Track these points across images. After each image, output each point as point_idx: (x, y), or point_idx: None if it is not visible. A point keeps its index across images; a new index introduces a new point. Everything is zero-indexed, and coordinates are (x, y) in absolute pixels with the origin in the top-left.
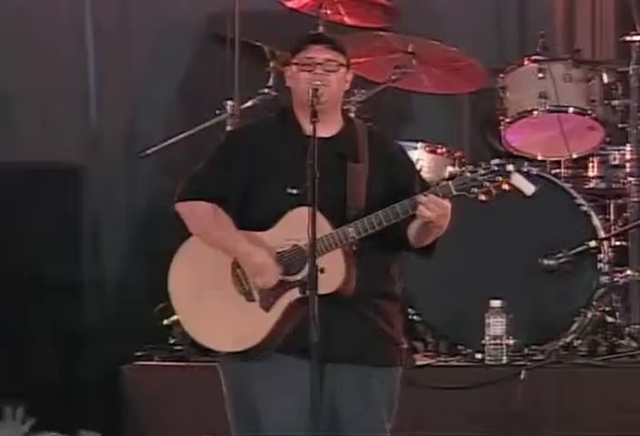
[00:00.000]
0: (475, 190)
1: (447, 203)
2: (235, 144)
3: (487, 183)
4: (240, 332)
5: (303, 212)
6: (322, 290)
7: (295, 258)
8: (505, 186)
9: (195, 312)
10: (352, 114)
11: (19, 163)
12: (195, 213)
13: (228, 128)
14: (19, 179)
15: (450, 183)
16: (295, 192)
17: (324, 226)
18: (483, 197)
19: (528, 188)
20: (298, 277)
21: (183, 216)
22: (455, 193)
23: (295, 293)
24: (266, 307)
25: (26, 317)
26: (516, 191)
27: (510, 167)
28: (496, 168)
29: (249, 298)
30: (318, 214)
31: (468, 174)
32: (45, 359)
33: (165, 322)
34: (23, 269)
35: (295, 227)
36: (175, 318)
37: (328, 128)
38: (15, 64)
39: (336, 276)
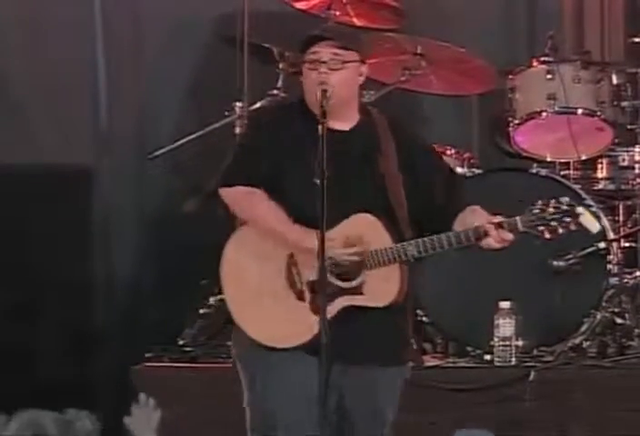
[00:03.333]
0: (542, 228)
1: (511, 236)
2: (264, 130)
3: (555, 223)
4: (286, 331)
5: (364, 217)
6: (376, 302)
7: (350, 264)
8: (573, 227)
9: (244, 302)
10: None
11: (30, 164)
12: (247, 198)
13: (237, 130)
14: (30, 180)
15: (518, 219)
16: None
17: (383, 237)
18: (548, 235)
19: (595, 227)
20: (352, 284)
21: (230, 201)
22: (521, 229)
23: (346, 300)
24: (316, 310)
25: (37, 317)
26: (583, 229)
27: (580, 209)
28: (566, 208)
29: (300, 297)
30: (377, 223)
31: (537, 211)
32: (56, 359)
33: (211, 300)
34: (34, 269)
35: (355, 232)
36: (219, 298)
37: (345, 122)
38: (25, 66)
39: (391, 290)
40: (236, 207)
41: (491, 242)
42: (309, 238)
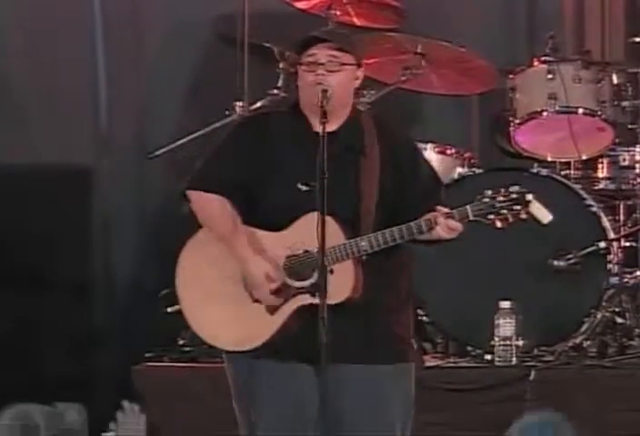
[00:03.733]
0: (492, 216)
1: (460, 225)
2: (246, 135)
3: (505, 211)
4: (242, 333)
5: (315, 217)
6: (331, 300)
7: (305, 263)
8: (524, 215)
9: (199, 307)
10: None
11: (29, 165)
12: (206, 205)
13: None
14: (30, 180)
15: (468, 207)
16: (304, 188)
17: (336, 234)
18: (499, 224)
19: (545, 217)
20: (305, 283)
21: (193, 205)
22: (471, 217)
23: (302, 299)
24: (272, 310)
25: (36, 317)
26: (533, 219)
27: (529, 197)
28: (516, 196)
29: (255, 299)
30: (332, 222)
31: (487, 200)
32: (56, 359)
33: (169, 309)
34: (33, 269)
35: (308, 231)
36: (178, 307)
37: (333, 123)
38: (25, 65)
39: (345, 286)
40: (199, 213)
41: (440, 231)
42: (253, 263)
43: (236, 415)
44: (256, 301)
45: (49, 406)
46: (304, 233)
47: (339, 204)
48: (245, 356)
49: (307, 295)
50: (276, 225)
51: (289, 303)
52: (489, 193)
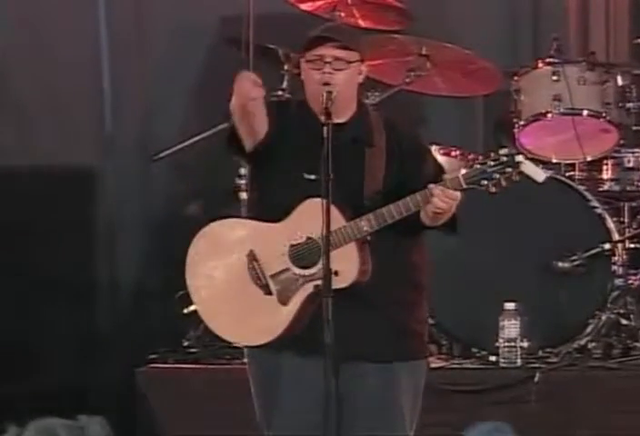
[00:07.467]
0: (485, 182)
1: (458, 194)
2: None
3: (497, 175)
4: (259, 326)
5: (316, 203)
6: (336, 284)
7: (309, 250)
8: (516, 177)
9: (213, 305)
10: None
11: (34, 167)
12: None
13: None
14: (34, 182)
15: (460, 176)
16: (312, 177)
17: (337, 218)
18: (493, 189)
19: (539, 175)
20: (313, 271)
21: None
22: (464, 186)
23: (310, 288)
24: (284, 301)
25: (41, 319)
26: (528, 179)
27: (519, 157)
28: (505, 159)
29: (266, 291)
30: (332, 207)
31: (477, 166)
32: (60, 362)
33: (185, 311)
34: (38, 271)
35: (308, 219)
36: (193, 308)
37: (341, 114)
38: (30, 68)
39: (351, 270)
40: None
41: (437, 202)
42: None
43: (257, 415)
44: (268, 293)
45: (72, 420)
46: (304, 221)
47: (344, 193)
48: (265, 352)
49: (316, 282)
50: (283, 214)
51: (300, 292)
52: (481, 159)
